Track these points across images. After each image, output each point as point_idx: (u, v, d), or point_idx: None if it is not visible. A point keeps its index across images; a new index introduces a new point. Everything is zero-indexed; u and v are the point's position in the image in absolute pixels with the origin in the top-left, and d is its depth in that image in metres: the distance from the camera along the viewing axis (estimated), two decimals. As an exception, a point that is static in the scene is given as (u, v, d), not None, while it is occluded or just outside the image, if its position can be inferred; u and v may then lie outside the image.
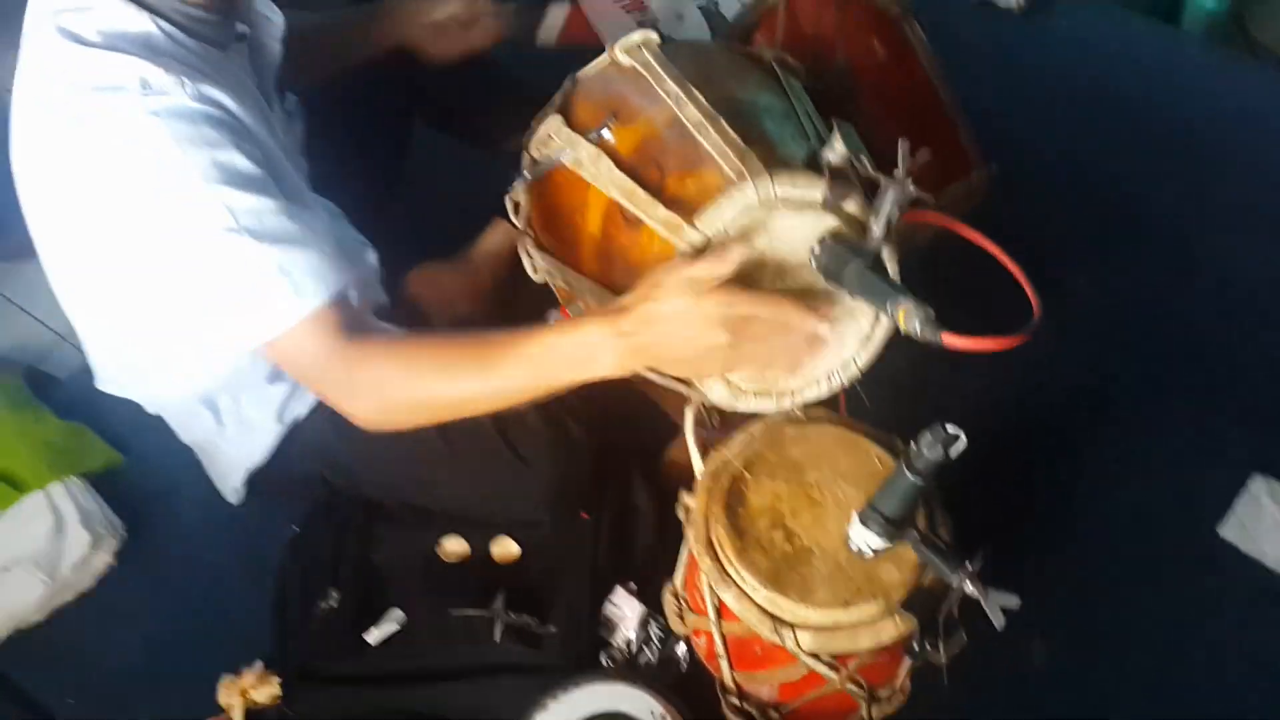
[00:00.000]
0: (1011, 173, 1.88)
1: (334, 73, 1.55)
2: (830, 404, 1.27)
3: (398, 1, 1.61)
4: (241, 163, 1.07)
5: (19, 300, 2.10)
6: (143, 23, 1.08)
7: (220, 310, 1.11)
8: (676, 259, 1.06)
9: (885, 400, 1.29)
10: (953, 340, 0.94)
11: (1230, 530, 1.59)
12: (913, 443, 0.95)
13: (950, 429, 0.92)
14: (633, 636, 1.40)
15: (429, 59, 1.61)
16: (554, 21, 1.64)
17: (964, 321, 0.98)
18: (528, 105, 1.38)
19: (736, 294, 1.01)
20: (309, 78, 1.51)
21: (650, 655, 1.39)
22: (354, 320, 1.15)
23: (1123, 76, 2.16)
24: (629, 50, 1.34)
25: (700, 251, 1.08)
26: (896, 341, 1.09)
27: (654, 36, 1.34)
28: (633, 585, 1.42)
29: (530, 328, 1.10)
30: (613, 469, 1.53)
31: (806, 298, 1.11)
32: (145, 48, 1.07)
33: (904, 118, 1.64)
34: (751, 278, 1.10)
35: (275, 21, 1.28)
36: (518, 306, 1.59)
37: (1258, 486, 1.62)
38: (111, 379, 1.36)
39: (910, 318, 0.96)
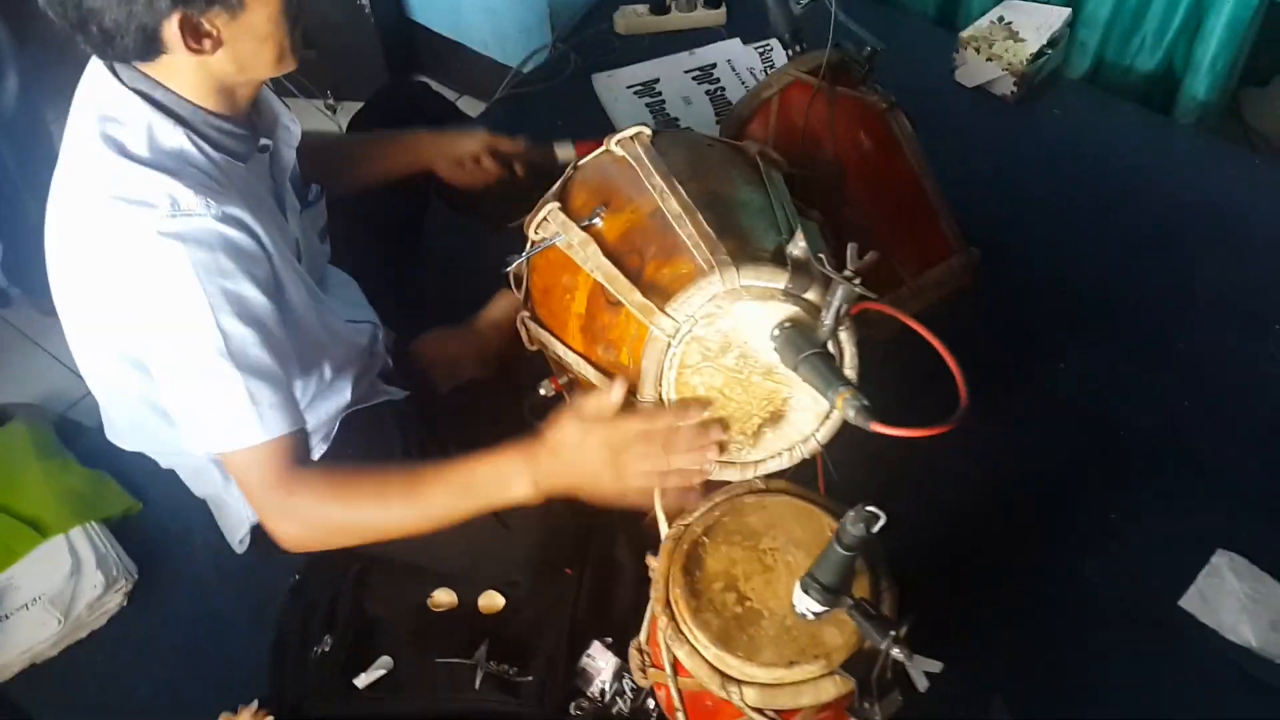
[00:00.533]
0: (999, 256, 1.97)
1: (353, 190, 1.67)
2: (808, 477, 1.37)
3: (421, 135, 1.74)
4: (248, 292, 1.18)
5: (55, 352, 2.23)
6: (178, 138, 1.19)
7: (191, 415, 1.23)
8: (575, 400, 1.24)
9: (864, 474, 1.38)
10: (880, 428, 1.03)
11: (1190, 601, 1.64)
12: (841, 520, 1.03)
13: (870, 510, 1.01)
14: (607, 688, 1.48)
15: (449, 185, 1.75)
16: (565, 151, 1.79)
17: (937, 401, 1.06)
18: (535, 189, 1.50)
19: (618, 419, 1.18)
20: (329, 188, 1.63)
21: (623, 706, 1.47)
22: (302, 451, 1.27)
23: (1113, 164, 2.23)
24: (622, 143, 1.45)
25: (671, 336, 1.18)
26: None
27: (646, 131, 1.45)
28: (609, 639, 1.50)
29: (455, 459, 1.24)
30: (598, 526, 1.60)
31: (768, 375, 1.21)
32: (179, 162, 1.19)
33: (888, 205, 1.74)
34: (714, 361, 1.20)
35: (293, 131, 1.39)
36: (517, 372, 1.69)
37: (1220, 560, 1.67)
38: (121, 435, 1.47)
39: (847, 405, 1.04)
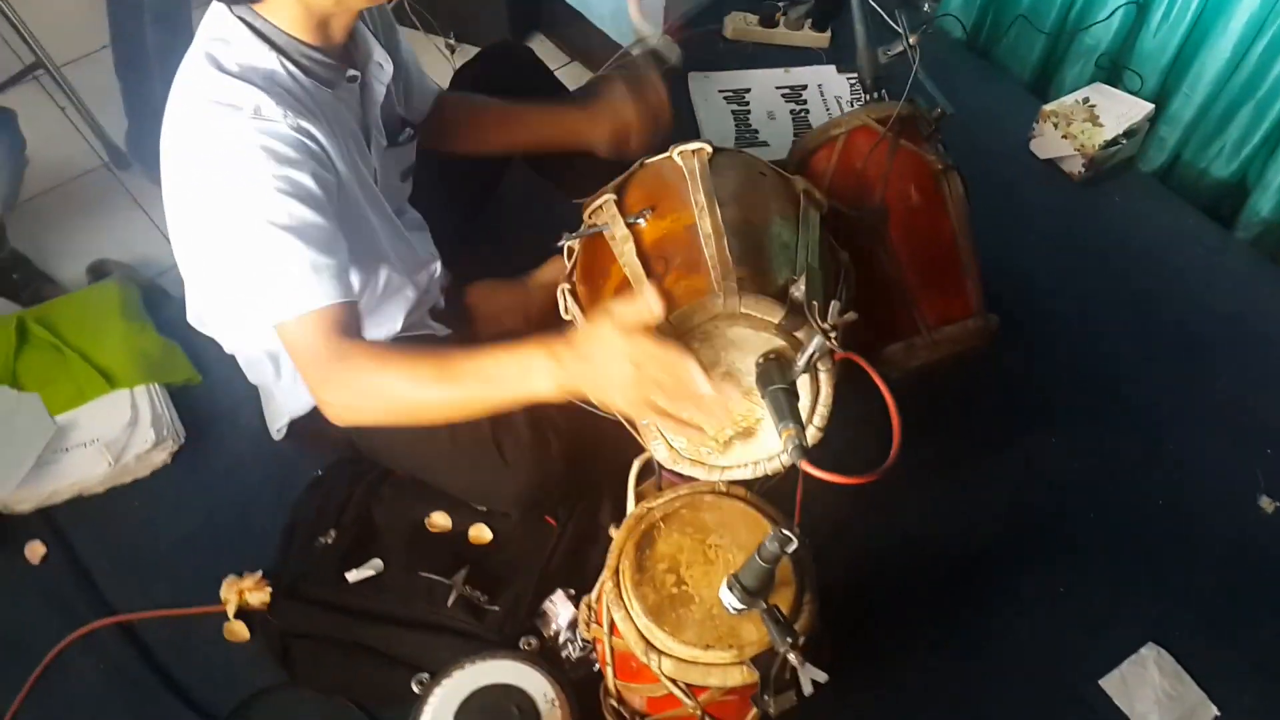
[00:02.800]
0: (1023, 322, 2.09)
1: (492, 154, 1.82)
2: (786, 491, 1.50)
3: (578, 116, 1.86)
4: (309, 183, 1.35)
5: (157, 220, 2.45)
6: (271, 61, 1.37)
7: (252, 284, 1.37)
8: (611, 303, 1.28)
9: (839, 498, 1.49)
10: (808, 468, 1.17)
11: (1111, 683, 1.76)
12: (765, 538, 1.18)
13: (785, 533, 1.15)
14: (561, 633, 1.64)
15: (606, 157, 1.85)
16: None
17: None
18: (613, 167, 1.65)
19: (647, 337, 1.21)
20: (469, 147, 1.79)
21: (572, 652, 1.63)
22: (353, 324, 1.39)
23: (1158, 262, 2.30)
24: (684, 154, 1.59)
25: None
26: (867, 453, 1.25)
27: (708, 149, 1.59)
28: (572, 591, 1.66)
29: (486, 347, 1.30)
30: (588, 490, 1.77)
31: (748, 395, 1.36)
32: (269, 81, 1.36)
33: (921, 259, 1.85)
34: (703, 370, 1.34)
35: (386, 69, 1.54)
36: (552, 334, 1.84)
37: (1149, 653, 1.79)
38: (197, 317, 1.66)
39: (789, 441, 1.19)
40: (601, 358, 1.22)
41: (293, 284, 1.34)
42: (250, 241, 1.35)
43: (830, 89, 2.47)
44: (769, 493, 1.49)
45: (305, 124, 1.36)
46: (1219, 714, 1.74)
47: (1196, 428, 2.07)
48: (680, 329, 1.32)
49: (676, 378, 1.21)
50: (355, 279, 1.46)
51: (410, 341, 1.70)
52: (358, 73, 1.50)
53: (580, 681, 1.56)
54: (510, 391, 1.28)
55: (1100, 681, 1.76)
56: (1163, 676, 1.77)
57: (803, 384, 1.33)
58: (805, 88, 2.48)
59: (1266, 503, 1.98)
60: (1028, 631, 1.80)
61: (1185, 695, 1.75)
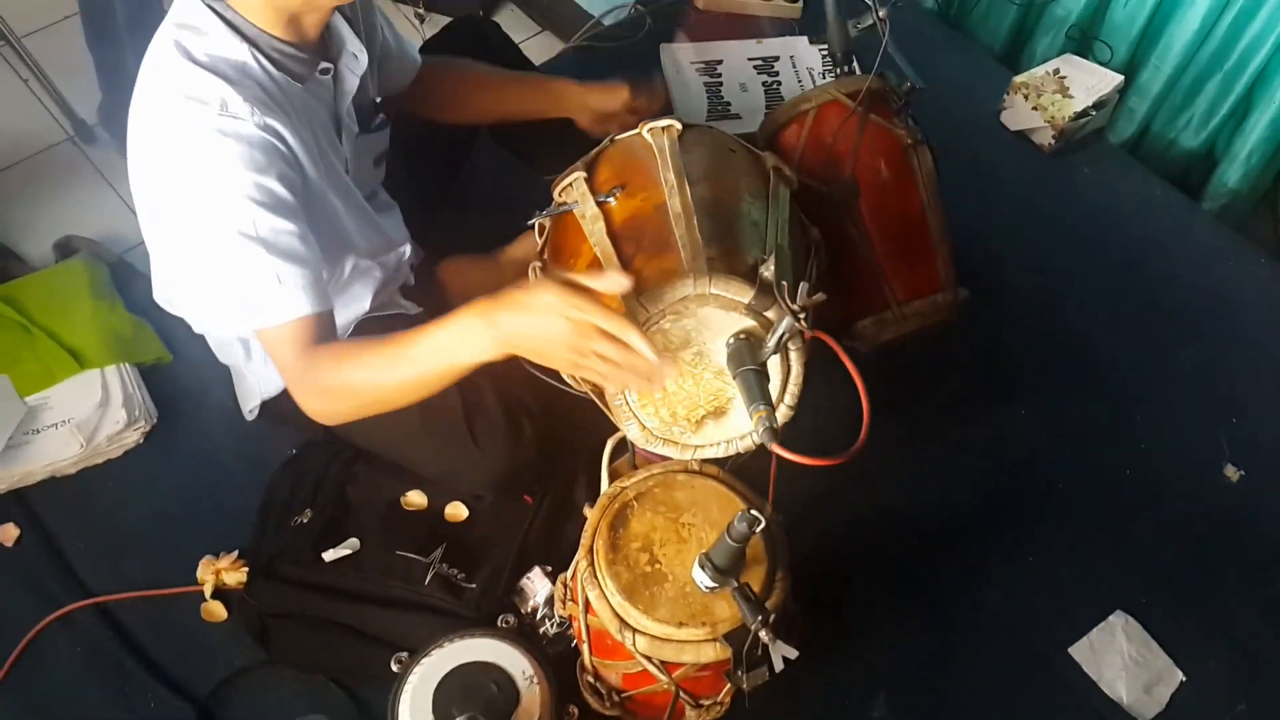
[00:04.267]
0: (994, 295, 2.11)
1: (471, 118, 1.82)
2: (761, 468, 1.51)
3: (567, 85, 1.89)
4: (278, 189, 1.34)
5: (125, 195, 2.42)
6: (242, 53, 1.36)
7: (223, 294, 1.39)
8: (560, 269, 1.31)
9: (812, 475, 1.52)
10: (778, 450, 1.18)
11: (1079, 650, 1.79)
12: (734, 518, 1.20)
13: (753, 514, 1.17)
14: (539, 609, 1.66)
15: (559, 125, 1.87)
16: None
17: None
18: (581, 144, 1.65)
19: (588, 299, 1.20)
20: (450, 115, 1.78)
21: (550, 628, 1.64)
22: (325, 331, 1.41)
23: (1127, 233, 2.32)
24: (654, 131, 1.59)
25: (641, 324, 1.33)
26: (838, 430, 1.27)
27: (678, 125, 1.59)
28: (549, 568, 1.67)
29: (432, 322, 1.31)
30: (563, 467, 1.77)
31: (719, 375, 1.37)
32: (238, 73, 1.35)
33: (891, 233, 1.86)
34: (673, 354, 1.35)
35: (360, 60, 1.52)
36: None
37: (1116, 620, 1.82)
38: (165, 297, 1.65)
39: (760, 422, 1.20)
40: (536, 312, 1.21)
41: (263, 298, 1.36)
42: (221, 252, 1.35)
43: (803, 60, 2.47)
44: (740, 469, 1.50)
45: (272, 121, 1.35)
46: (1185, 679, 1.77)
47: (1164, 398, 2.10)
48: (650, 310, 1.33)
49: (613, 338, 1.21)
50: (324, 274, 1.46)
51: (380, 322, 1.69)
52: (330, 65, 1.49)
53: (558, 657, 1.57)
54: (454, 359, 1.29)
55: (1069, 649, 1.79)
56: (1130, 643, 1.80)
57: (773, 363, 1.34)
58: (777, 59, 2.47)
59: (1231, 471, 2.01)
60: (998, 601, 1.83)
61: (1152, 661, 1.79)
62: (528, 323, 1.23)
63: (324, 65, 1.47)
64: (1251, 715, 1.76)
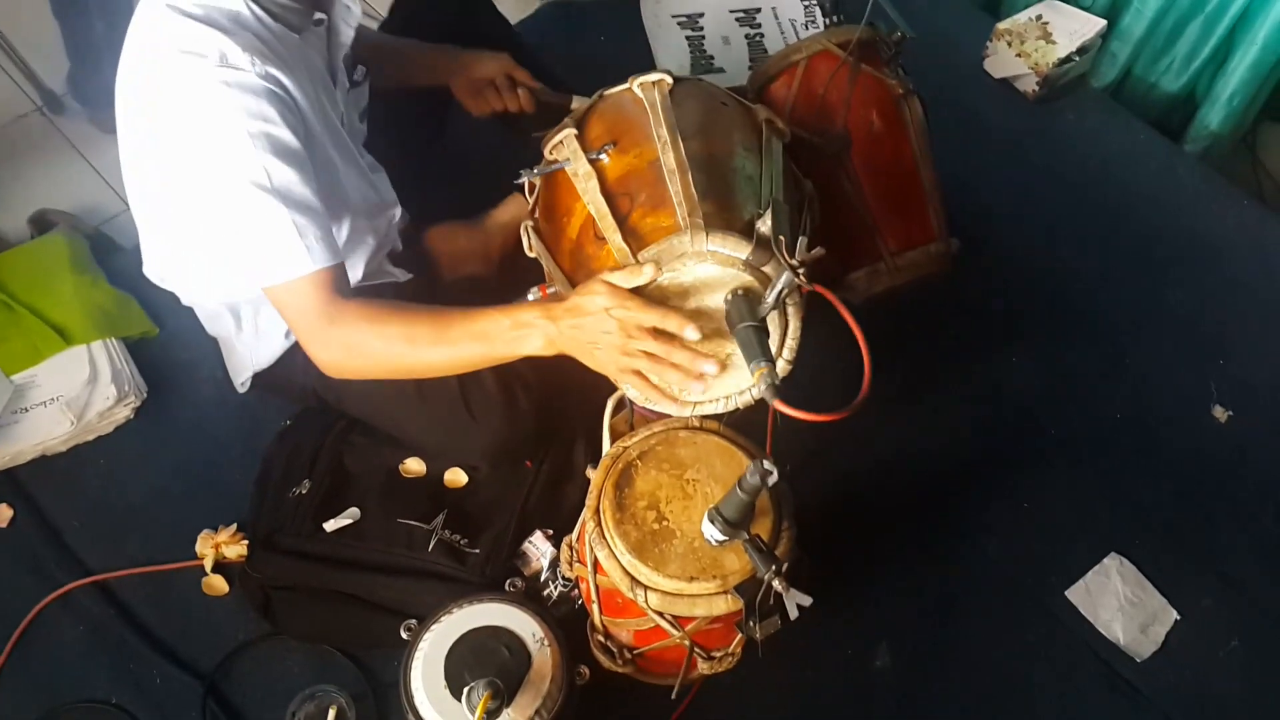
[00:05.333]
0: (982, 244, 2.10)
1: (386, 86, 1.77)
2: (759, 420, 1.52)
3: (445, 51, 1.85)
4: (286, 137, 1.32)
5: (98, 166, 2.38)
6: (236, 3, 1.33)
7: (240, 250, 1.37)
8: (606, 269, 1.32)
9: (808, 429, 1.53)
10: (781, 407, 1.18)
11: (1076, 593, 1.82)
12: (745, 470, 1.20)
13: (766, 465, 1.17)
14: (543, 572, 1.66)
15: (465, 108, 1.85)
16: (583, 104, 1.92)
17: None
18: (556, 110, 1.63)
19: (643, 304, 1.25)
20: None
21: (554, 591, 1.65)
22: (344, 285, 1.40)
23: (1113, 178, 2.33)
24: (644, 85, 1.57)
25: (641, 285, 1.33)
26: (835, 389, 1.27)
27: (668, 80, 1.56)
28: (551, 531, 1.67)
29: (481, 308, 1.34)
30: (561, 430, 1.77)
31: (718, 332, 1.36)
32: (234, 24, 1.32)
33: (883, 184, 1.85)
34: (672, 306, 1.34)
35: (354, 11, 1.50)
36: (516, 274, 1.83)
37: (1111, 563, 1.85)
38: (155, 270, 1.62)
39: (761, 379, 1.20)
40: (594, 323, 1.26)
41: (279, 250, 1.33)
42: (233, 206, 1.33)
43: (785, 11, 2.45)
44: (736, 422, 1.50)
45: (273, 70, 1.32)
46: (1179, 617, 1.80)
47: (1152, 341, 2.12)
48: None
49: (658, 333, 1.25)
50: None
51: (372, 290, 1.68)
52: (324, 16, 1.46)
53: (563, 619, 1.58)
54: (503, 350, 1.33)
55: (1066, 593, 1.82)
56: (1125, 585, 1.83)
57: (771, 318, 1.33)
58: (759, 10, 2.45)
59: (1219, 412, 2.03)
60: (995, 548, 1.85)
61: (1147, 601, 1.81)
62: (583, 323, 1.27)
63: (318, 16, 1.45)
64: (1245, 650, 1.80)
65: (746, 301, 1.29)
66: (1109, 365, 2.07)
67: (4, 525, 1.72)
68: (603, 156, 1.49)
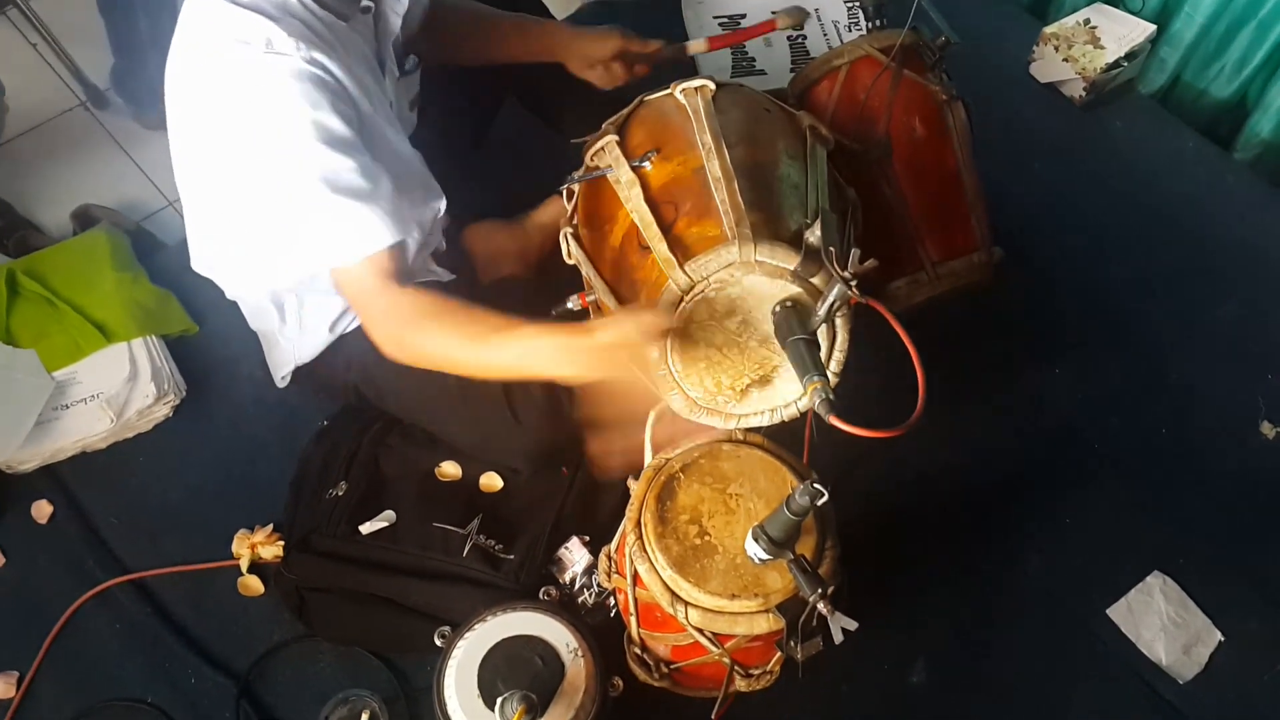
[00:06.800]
0: (1028, 252, 2.07)
1: (468, 61, 1.78)
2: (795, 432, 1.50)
3: (558, 28, 1.85)
4: (335, 124, 1.32)
5: (140, 161, 2.39)
6: None
7: (297, 236, 1.38)
8: (637, 304, 1.36)
9: (845, 441, 1.51)
10: (836, 422, 1.16)
11: (1117, 612, 1.78)
12: (793, 490, 1.18)
13: (817, 487, 1.15)
14: (578, 580, 1.65)
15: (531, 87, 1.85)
16: (698, 45, 1.90)
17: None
18: (608, 105, 1.61)
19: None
20: (445, 53, 1.73)
21: (588, 598, 1.64)
22: (404, 269, 1.41)
23: (1161, 187, 2.28)
24: (686, 92, 1.55)
25: (685, 291, 1.31)
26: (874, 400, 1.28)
27: (711, 85, 1.55)
28: (587, 538, 1.66)
29: (532, 321, 1.34)
30: (599, 439, 1.76)
31: (764, 344, 1.34)
32: (281, 10, 1.32)
33: (926, 192, 1.83)
34: (718, 322, 1.33)
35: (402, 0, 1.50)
36: (553, 277, 1.82)
37: (1155, 581, 1.81)
38: (203, 263, 1.62)
39: (815, 394, 1.18)
40: (617, 358, 1.32)
41: (338, 237, 1.35)
42: (293, 191, 1.34)
43: (828, 14, 2.41)
44: (771, 433, 1.48)
45: (319, 56, 1.33)
46: (1224, 639, 1.77)
47: (1199, 354, 2.07)
48: (695, 278, 1.30)
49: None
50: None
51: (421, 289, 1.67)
52: (371, 4, 1.46)
53: (597, 627, 1.56)
54: (541, 369, 1.37)
55: (1107, 611, 1.79)
56: (1168, 604, 1.79)
57: (819, 330, 1.31)
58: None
59: (1267, 428, 1.99)
60: (1035, 564, 1.82)
61: (1191, 622, 1.78)
62: (608, 365, 1.33)
63: (365, 3, 1.45)
64: (1291, 674, 1.76)
65: (796, 314, 1.27)
66: (1154, 378, 2.03)
67: (44, 522, 1.73)
68: (646, 164, 1.48)
